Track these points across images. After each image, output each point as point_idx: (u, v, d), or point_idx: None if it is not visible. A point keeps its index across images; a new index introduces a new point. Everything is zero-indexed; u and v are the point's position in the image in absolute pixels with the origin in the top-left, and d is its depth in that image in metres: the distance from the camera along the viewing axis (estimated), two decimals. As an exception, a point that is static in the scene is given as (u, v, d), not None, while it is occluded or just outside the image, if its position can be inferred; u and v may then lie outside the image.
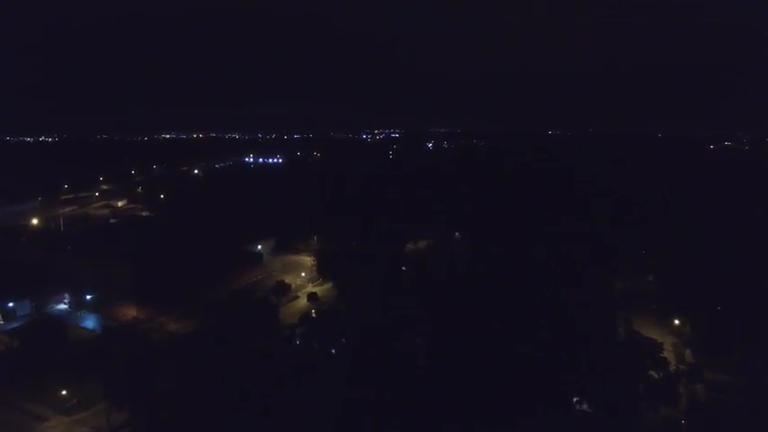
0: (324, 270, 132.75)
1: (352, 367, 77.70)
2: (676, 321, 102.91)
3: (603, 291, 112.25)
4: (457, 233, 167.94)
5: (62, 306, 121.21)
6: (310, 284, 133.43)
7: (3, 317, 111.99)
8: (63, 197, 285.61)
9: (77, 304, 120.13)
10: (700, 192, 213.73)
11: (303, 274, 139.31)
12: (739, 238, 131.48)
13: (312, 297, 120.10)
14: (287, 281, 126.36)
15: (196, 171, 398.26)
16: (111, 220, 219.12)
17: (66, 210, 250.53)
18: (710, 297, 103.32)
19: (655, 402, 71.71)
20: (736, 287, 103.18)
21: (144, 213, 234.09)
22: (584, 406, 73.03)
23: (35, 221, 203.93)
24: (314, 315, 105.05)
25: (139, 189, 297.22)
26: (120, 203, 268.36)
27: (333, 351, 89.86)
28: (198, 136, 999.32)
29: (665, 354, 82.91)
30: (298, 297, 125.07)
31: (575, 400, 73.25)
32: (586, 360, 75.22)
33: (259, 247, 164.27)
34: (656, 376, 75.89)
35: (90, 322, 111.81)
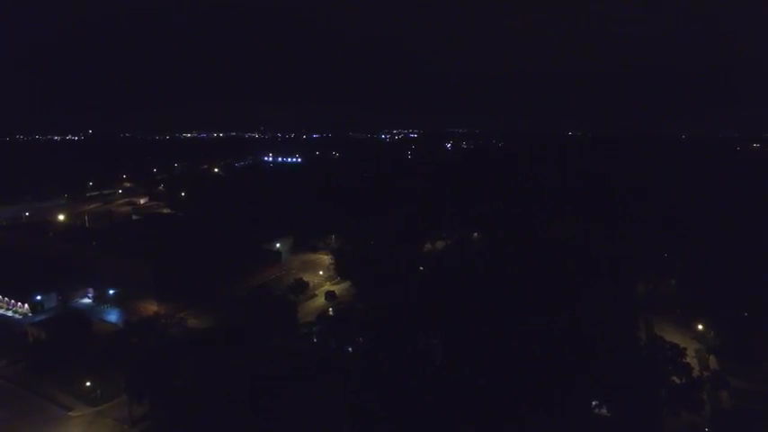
0: (342, 269, 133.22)
1: (368, 366, 77.83)
2: (700, 326, 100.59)
3: (624, 293, 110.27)
4: (475, 233, 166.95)
5: (86, 300, 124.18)
6: (328, 283, 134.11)
7: (31, 309, 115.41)
8: (88, 194, 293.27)
9: (101, 298, 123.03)
10: (726, 194, 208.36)
11: (321, 273, 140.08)
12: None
13: (330, 295, 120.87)
14: (305, 279, 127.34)
15: (216, 170, 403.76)
16: (134, 217, 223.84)
17: (91, 206, 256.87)
18: (736, 302, 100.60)
19: (677, 408, 70.18)
20: (763, 292, 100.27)
21: (165, 211, 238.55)
22: (603, 410, 71.90)
23: (61, 218, 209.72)
24: (331, 313, 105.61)
25: (161, 187, 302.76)
26: (142, 201, 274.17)
27: (350, 349, 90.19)
28: (218, 135, 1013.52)
29: (688, 359, 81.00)
30: (315, 295, 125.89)
31: (593, 403, 72.16)
32: (606, 363, 73.95)
33: (278, 245, 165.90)
34: (679, 382, 74.26)
35: (113, 316, 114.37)
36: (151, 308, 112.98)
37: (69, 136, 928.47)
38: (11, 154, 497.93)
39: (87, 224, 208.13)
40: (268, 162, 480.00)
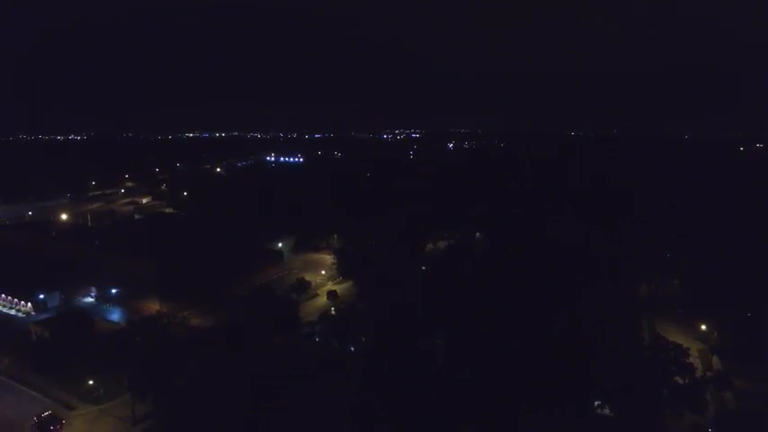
0: (344, 268, 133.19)
1: (370, 366, 77.83)
2: (703, 326, 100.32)
3: (627, 293, 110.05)
4: (478, 233, 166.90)
5: (89, 299, 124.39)
6: (330, 282, 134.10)
7: (34, 308, 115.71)
8: (90, 194, 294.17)
9: (103, 298, 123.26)
10: (729, 194, 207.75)
11: (323, 273, 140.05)
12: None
13: (332, 295, 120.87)
14: (307, 278, 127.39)
15: (218, 169, 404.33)
16: (136, 217, 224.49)
17: (94, 206, 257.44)
18: (739, 302, 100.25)
19: (680, 409, 70.01)
20: (766, 292, 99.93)
21: (167, 210, 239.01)
22: (606, 410, 71.74)
23: (64, 217, 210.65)
24: (333, 313, 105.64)
25: (163, 186, 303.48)
26: (144, 200, 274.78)
27: (352, 349, 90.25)
28: (220, 135, 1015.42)
29: (691, 359, 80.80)
30: (317, 295, 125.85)
31: (595, 404, 72.01)
32: (608, 363, 73.79)
33: (280, 244, 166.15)
34: (682, 382, 74.08)
35: (115, 315, 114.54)
36: (153, 307, 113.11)
37: (72, 136, 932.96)
38: (14, 154, 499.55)
39: (90, 223, 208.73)
40: (270, 162, 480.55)
